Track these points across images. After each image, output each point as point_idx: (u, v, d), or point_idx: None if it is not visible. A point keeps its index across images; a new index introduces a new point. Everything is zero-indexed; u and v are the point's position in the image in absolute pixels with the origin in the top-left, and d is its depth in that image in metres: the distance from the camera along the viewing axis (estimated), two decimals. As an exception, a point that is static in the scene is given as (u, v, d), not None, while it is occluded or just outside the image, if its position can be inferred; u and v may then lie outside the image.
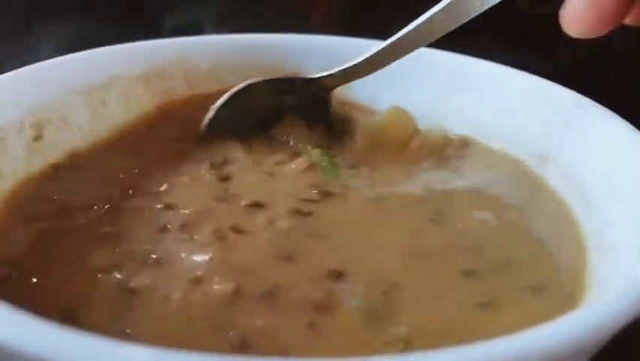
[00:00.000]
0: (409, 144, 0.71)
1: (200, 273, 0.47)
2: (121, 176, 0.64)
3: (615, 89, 1.04)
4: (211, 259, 0.49)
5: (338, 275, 0.48)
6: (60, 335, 0.34)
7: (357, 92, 0.79)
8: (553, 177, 0.64)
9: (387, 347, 0.43)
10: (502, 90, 0.72)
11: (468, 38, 0.76)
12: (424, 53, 0.76)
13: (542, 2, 1.21)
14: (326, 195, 0.59)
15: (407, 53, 0.66)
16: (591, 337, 0.38)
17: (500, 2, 0.58)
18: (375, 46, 0.67)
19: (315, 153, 0.66)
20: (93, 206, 0.59)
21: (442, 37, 0.75)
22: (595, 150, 0.60)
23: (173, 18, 0.99)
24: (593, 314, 0.39)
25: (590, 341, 0.38)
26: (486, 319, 0.47)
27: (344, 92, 0.79)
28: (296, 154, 0.67)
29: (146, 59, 0.74)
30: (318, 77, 0.72)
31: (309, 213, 0.56)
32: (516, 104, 0.70)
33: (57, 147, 0.67)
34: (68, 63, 0.70)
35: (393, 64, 0.69)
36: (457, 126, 0.74)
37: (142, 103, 0.75)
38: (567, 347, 0.36)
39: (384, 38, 0.78)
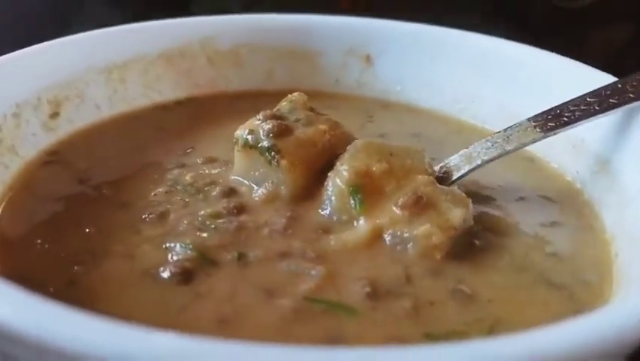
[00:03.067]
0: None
1: None
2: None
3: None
4: None
5: None
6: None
7: (381, 71, 0.77)
8: (583, 168, 0.61)
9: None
10: (532, 73, 0.69)
11: (501, 30, 0.73)
12: (453, 36, 0.74)
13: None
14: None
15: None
16: (619, 337, 0.35)
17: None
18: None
19: None
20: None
21: (475, 28, 0.74)
22: (630, 138, 0.57)
23: (201, 3, 0.97)
24: (622, 314, 0.37)
25: (617, 342, 0.35)
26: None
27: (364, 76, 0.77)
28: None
29: (167, 37, 0.73)
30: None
31: None
32: (548, 89, 0.67)
33: (73, 125, 0.66)
34: (88, 40, 0.69)
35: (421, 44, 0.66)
36: (483, 117, 0.72)
37: (162, 82, 0.73)
38: (590, 347, 0.34)
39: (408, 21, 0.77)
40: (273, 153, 0.55)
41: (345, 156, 0.55)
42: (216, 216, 0.54)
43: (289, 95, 0.61)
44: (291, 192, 0.55)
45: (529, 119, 0.58)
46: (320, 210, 0.54)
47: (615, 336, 0.35)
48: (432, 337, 0.43)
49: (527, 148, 0.66)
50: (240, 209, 0.55)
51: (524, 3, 1.18)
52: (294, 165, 0.55)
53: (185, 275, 0.47)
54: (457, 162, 0.59)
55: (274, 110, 0.59)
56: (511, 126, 0.58)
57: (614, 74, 0.63)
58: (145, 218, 0.53)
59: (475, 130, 0.71)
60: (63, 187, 0.58)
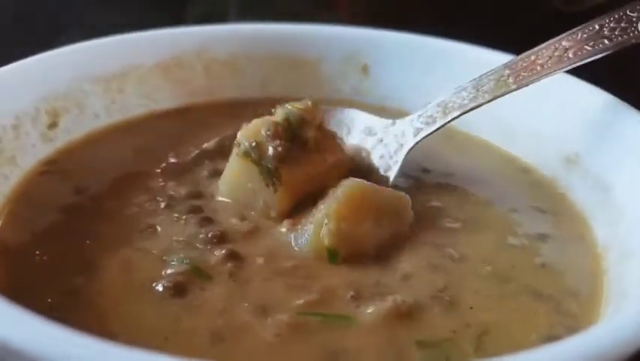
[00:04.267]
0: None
1: None
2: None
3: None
4: None
5: None
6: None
7: (378, 81, 0.78)
8: (576, 181, 0.62)
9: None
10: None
11: (501, 35, 0.73)
12: (442, 46, 0.75)
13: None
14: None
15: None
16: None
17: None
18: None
19: None
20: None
21: (472, 34, 0.74)
22: (624, 155, 0.58)
23: (196, 7, 0.98)
24: (603, 335, 0.38)
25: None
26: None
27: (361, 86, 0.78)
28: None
29: (165, 47, 0.74)
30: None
31: None
32: (541, 99, 0.67)
33: (71, 134, 0.66)
34: (86, 51, 0.69)
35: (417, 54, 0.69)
36: (476, 125, 0.72)
37: (160, 92, 0.74)
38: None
39: (407, 31, 0.77)
40: (274, 178, 0.55)
41: (333, 205, 0.52)
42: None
43: (303, 102, 0.59)
44: (278, 214, 0.55)
45: (504, 66, 0.59)
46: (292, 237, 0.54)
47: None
48: (424, 345, 0.45)
49: (522, 159, 0.68)
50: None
51: (526, 8, 1.18)
52: (288, 193, 0.55)
53: (179, 289, 0.48)
54: (433, 113, 0.61)
55: (283, 115, 0.57)
56: (486, 74, 0.60)
57: (612, 78, 0.63)
58: (141, 230, 0.54)
59: (467, 136, 0.72)
60: (61, 198, 0.59)
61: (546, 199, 0.62)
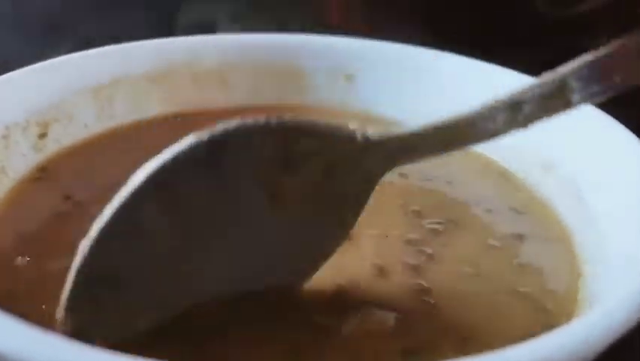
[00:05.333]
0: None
1: None
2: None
3: None
4: None
5: None
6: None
7: (363, 90, 0.79)
8: (553, 187, 0.63)
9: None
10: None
11: (489, 44, 0.75)
12: (422, 55, 0.76)
13: (566, 2, 1.18)
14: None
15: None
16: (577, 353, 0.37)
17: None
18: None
19: None
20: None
21: (455, 42, 0.75)
22: (598, 163, 0.59)
23: (185, 17, 1.00)
24: (580, 330, 0.38)
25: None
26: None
27: (346, 95, 0.79)
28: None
29: (152, 58, 0.75)
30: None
31: None
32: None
33: (61, 144, 0.68)
34: (75, 61, 0.71)
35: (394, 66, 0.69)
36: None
37: (149, 101, 0.76)
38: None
39: (401, 42, 0.79)
40: None
41: None
42: None
43: None
44: None
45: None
46: None
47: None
48: (408, 352, 0.45)
49: (501, 164, 0.69)
50: None
51: (512, 13, 1.20)
52: None
53: None
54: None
55: None
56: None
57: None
58: None
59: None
60: (50, 205, 0.60)
61: (524, 202, 0.63)
